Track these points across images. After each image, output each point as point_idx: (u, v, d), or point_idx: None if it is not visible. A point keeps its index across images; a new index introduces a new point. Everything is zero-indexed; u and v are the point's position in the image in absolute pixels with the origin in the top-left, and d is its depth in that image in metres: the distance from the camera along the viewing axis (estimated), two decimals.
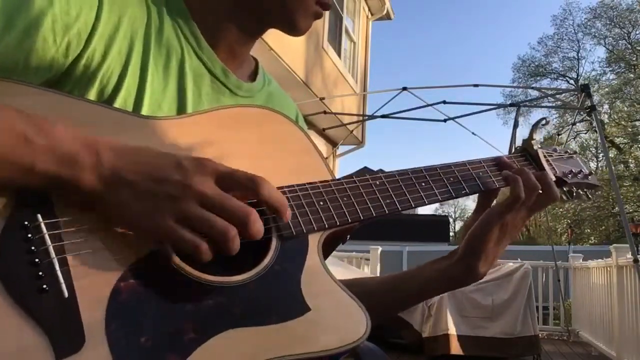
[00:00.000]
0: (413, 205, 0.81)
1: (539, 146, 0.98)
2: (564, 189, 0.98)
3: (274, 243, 0.68)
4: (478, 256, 0.83)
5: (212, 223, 0.58)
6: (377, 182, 0.79)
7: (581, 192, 1.01)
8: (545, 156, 0.97)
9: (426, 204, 0.84)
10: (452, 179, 0.86)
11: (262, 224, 0.61)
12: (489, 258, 0.84)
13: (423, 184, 0.83)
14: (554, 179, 0.93)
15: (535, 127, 0.99)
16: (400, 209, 0.79)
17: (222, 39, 0.82)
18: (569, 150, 1.04)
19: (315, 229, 0.71)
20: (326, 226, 0.72)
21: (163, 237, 0.58)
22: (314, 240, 0.71)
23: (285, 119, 0.78)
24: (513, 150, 0.97)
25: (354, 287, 0.90)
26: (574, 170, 0.99)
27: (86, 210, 0.59)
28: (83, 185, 0.57)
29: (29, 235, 0.56)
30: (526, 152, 0.98)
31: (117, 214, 0.59)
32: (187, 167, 0.59)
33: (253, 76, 0.90)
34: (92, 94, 0.69)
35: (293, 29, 0.83)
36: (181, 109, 0.77)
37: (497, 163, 0.91)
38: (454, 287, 0.87)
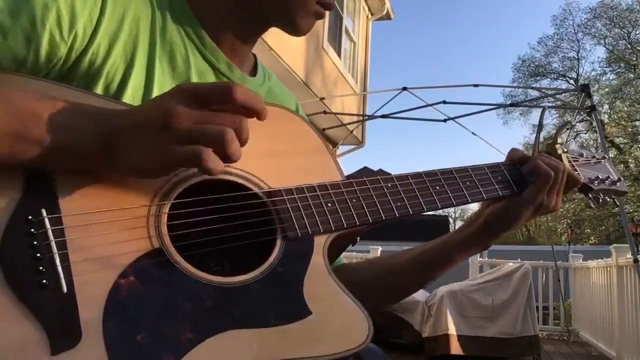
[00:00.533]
0: (425, 210, 0.79)
1: (564, 150, 0.95)
2: (590, 195, 0.96)
3: (278, 244, 0.67)
4: (503, 231, 0.87)
5: (206, 130, 0.58)
6: (389, 185, 0.78)
7: (608, 199, 0.98)
8: (570, 161, 0.94)
9: (439, 208, 0.82)
10: (468, 182, 0.84)
11: (247, 132, 0.60)
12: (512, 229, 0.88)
13: (437, 187, 0.81)
14: (578, 185, 0.93)
15: (559, 131, 0.96)
16: (411, 212, 0.77)
17: (224, 39, 0.82)
18: (597, 155, 1.00)
19: (321, 231, 0.70)
20: (333, 228, 0.71)
21: (168, 163, 0.59)
22: (320, 242, 0.70)
23: (297, 118, 0.78)
24: (536, 154, 0.95)
25: (384, 269, 0.92)
26: (600, 177, 0.96)
27: (91, 205, 0.60)
28: (91, 153, 0.59)
29: (32, 230, 0.56)
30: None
31: (126, 169, 0.60)
32: (162, 99, 0.60)
33: (253, 72, 0.90)
34: (98, 90, 0.69)
35: (294, 29, 0.83)
36: None
37: (515, 164, 0.89)
38: (477, 251, 0.90)
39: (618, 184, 0.98)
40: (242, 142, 0.60)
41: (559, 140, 0.95)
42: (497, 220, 0.86)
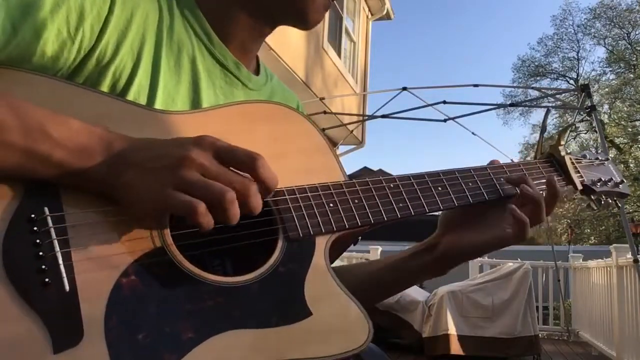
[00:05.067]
0: (427, 211, 0.78)
1: (568, 152, 0.93)
2: (592, 197, 0.94)
3: (279, 244, 0.67)
4: (466, 260, 0.85)
5: (209, 186, 0.58)
6: (391, 185, 0.77)
7: (610, 201, 0.97)
8: (573, 162, 0.93)
9: (442, 209, 0.81)
10: (470, 183, 0.83)
11: (260, 198, 0.61)
12: None
13: (439, 188, 0.80)
14: (580, 187, 0.91)
15: (563, 132, 0.95)
16: (413, 213, 0.77)
17: (234, 37, 0.82)
18: (600, 157, 0.99)
19: (323, 231, 0.69)
20: (334, 229, 0.70)
21: (163, 205, 0.59)
22: (322, 243, 0.70)
23: (300, 117, 0.77)
24: (539, 156, 0.93)
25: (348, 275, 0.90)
26: (603, 179, 0.95)
27: (93, 204, 0.60)
28: (93, 175, 0.59)
29: (35, 228, 0.56)
30: (552, 157, 0.93)
31: (124, 196, 0.60)
32: (186, 143, 0.60)
33: (256, 71, 0.90)
34: (104, 88, 0.69)
35: (303, 23, 0.83)
36: (196, 103, 0.77)
37: (520, 170, 0.87)
38: (433, 277, 0.89)
39: (621, 186, 0.96)
40: (247, 208, 0.60)
41: (562, 142, 0.93)
42: (460, 255, 0.84)
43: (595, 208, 0.96)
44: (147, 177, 0.59)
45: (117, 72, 0.70)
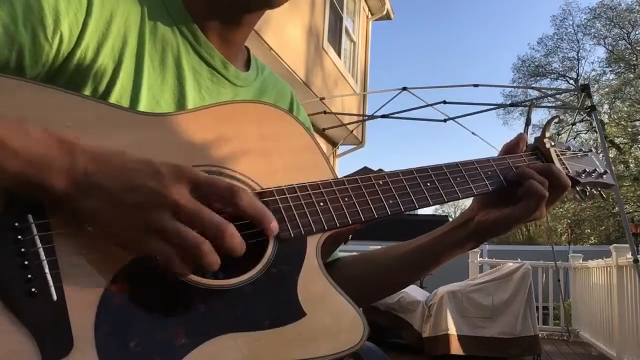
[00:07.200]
0: (417, 206, 0.79)
1: (552, 144, 0.94)
2: (577, 188, 0.95)
3: (270, 245, 0.66)
4: (495, 235, 0.86)
5: (183, 236, 0.55)
6: (380, 182, 0.77)
7: (595, 192, 0.98)
8: (558, 155, 0.94)
9: (431, 205, 0.81)
10: (459, 178, 0.83)
11: (240, 239, 0.58)
12: None
13: (428, 183, 0.80)
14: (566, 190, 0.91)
15: (548, 125, 0.96)
16: (403, 210, 0.77)
17: (212, 27, 0.80)
18: (583, 148, 1.00)
19: (314, 231, 0.69)
20: (325, 228, 0.70)
21: (131, 248, 0.56)
22: (313, 242, 0.69)
23: (288, 116, 0.77)
24: (524, 149, 0.93)
25: (374, 266, 0.90)
26: (587, 170, 0.96)
27: None
28: (53, 188, 0.54)
29: (19, 237, 0.54)
30: (538, 150, 0.94)
31: (87, 220, 0.57)
32: (163, 174, 0.56)
33: (247, 65, 0.89)
34: (87, 91, 0.68)
35: (268, 3, 0.80)
36: (181, 104, 0.76)
37: (507, 163, 0.88)
38: (467, 251, 0.90)
39: (605, 176, 0.97)
40: (226, 251, 0.58)
41: (547, 134, 0.94)
42: (489, 230, 0.86)
43: (579, 199, 0.97)
44: (115, 212, 0.55)
45: (97, 75, 0.69)
